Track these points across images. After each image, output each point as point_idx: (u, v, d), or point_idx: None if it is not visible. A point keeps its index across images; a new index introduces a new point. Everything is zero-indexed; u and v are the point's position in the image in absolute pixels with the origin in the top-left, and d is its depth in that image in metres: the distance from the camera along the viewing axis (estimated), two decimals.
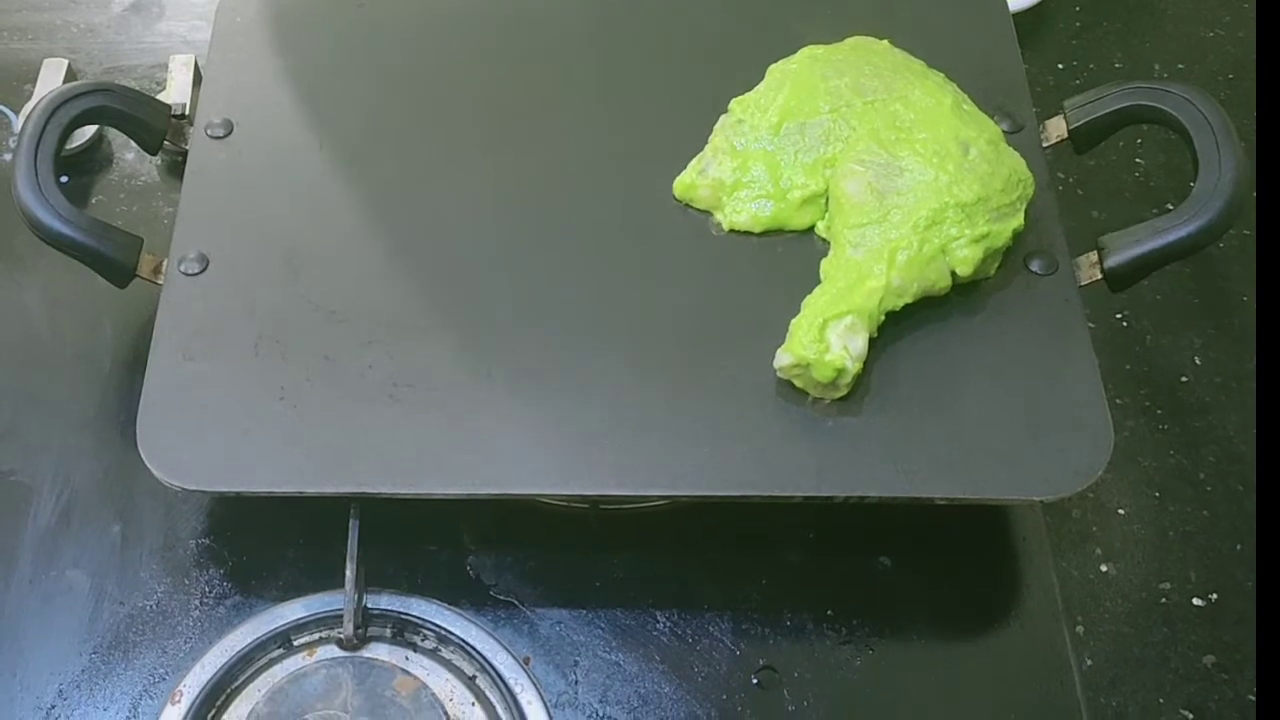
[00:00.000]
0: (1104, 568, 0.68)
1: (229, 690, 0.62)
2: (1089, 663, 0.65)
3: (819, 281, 0.64)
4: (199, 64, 0.81)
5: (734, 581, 0.66)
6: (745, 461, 0.60)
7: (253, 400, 0.62)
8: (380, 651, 0.63)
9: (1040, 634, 0.65)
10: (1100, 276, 0.66)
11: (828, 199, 0.66)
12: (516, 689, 0.62)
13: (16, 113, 0.82)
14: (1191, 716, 0.64)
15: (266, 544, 0.67)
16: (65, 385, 0.72)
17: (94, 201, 0.79)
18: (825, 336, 0.61)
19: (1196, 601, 0.67)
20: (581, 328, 0.64)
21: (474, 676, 0.63)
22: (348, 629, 0.62)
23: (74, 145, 0.79)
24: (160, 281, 0.66)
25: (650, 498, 0.65)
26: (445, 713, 0.60)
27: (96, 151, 0.81)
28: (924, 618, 0.65)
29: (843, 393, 0.62)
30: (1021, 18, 0.81)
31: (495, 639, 0.63)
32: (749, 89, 0.70)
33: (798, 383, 0.62)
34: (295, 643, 0.64)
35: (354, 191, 0.69)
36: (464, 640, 0.63)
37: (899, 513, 0.65)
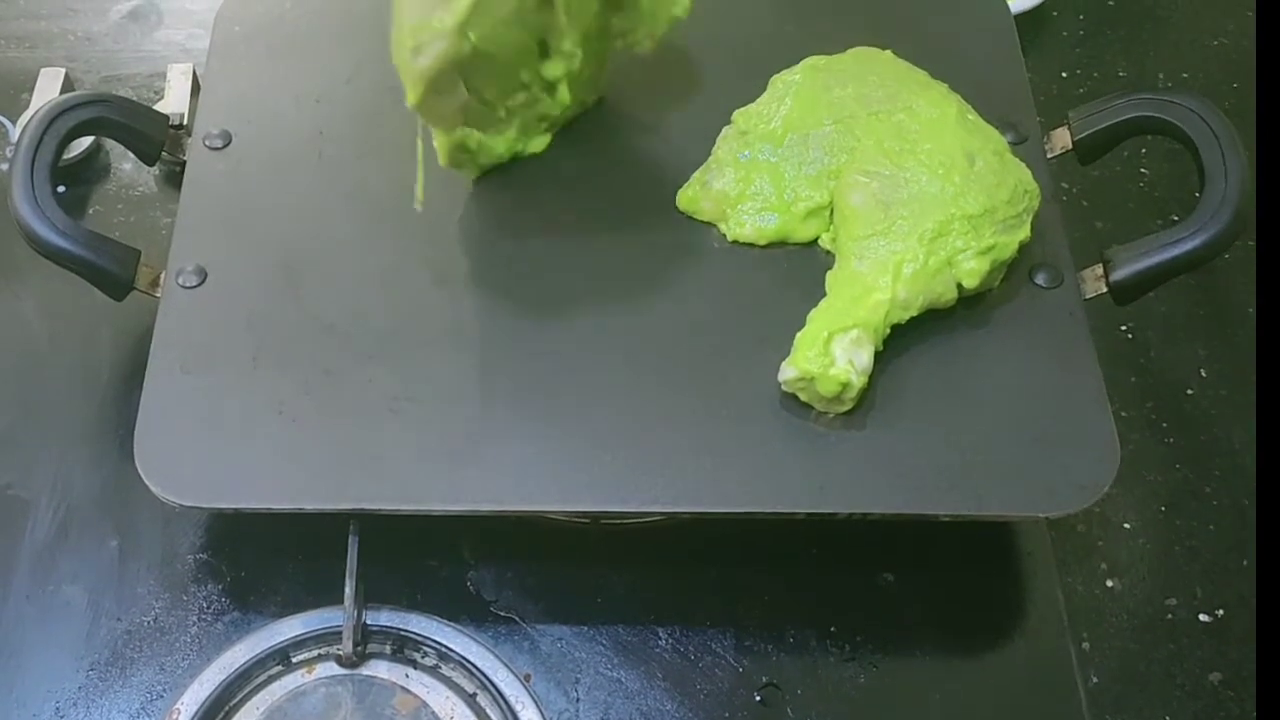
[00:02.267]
0: (1110, 583, 0.68)
1: (227, 708, 0.62)
2: (1094, 680, 0.64)
3: (824, 294, 0.64)
4: (197, 73, 0.80)
5: (736, 597, 0.65)
6: (748, 477, 0.60)
7: (251, 414, 0.62)
8: (380, 669, 0.62)
9: (1045, 650, 0.64)
10: (1106, 290, 0.66)
11: (832, 211, 0.66)
12: (517, 706, 0.61)
13: (14, 122, 0.82)
14: None
15: (265, 559, 0.66)
16: (63, 398, 0.71)
17: (91, 212, 0.79)
18: (830, 350, 0.60)
19: (1203, 617, 0.67)
20: (584, 341, 0.64)
21: (475, 694, 0.62)
22: (347, 646, 0.62)
23: (71, 155, 0.79)
24: (158, 294, 0.66)
25: (652, 513, 0.64)
26: None
27: (94, 162, 0.81)
28: (927, 634, 0.65)
29: (847, 407, 0.61)
30: (1024, 26, 0.81)
31: (496, 656, 0.63)
32: (752, 100, 0.70)
33: (802, 396, 0.61)
34: (294, 660, 0.63)
35: (353, 203, 0.69)
36: (464, 657, 0.63)
37: (902, 528, 0.65)
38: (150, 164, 0.73)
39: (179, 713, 0.61)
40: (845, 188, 0.65)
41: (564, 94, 0.66)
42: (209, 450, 0.61)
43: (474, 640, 0.63)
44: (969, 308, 0.65)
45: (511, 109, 0.67)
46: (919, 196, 0.64)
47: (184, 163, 0.71)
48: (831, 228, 0.66)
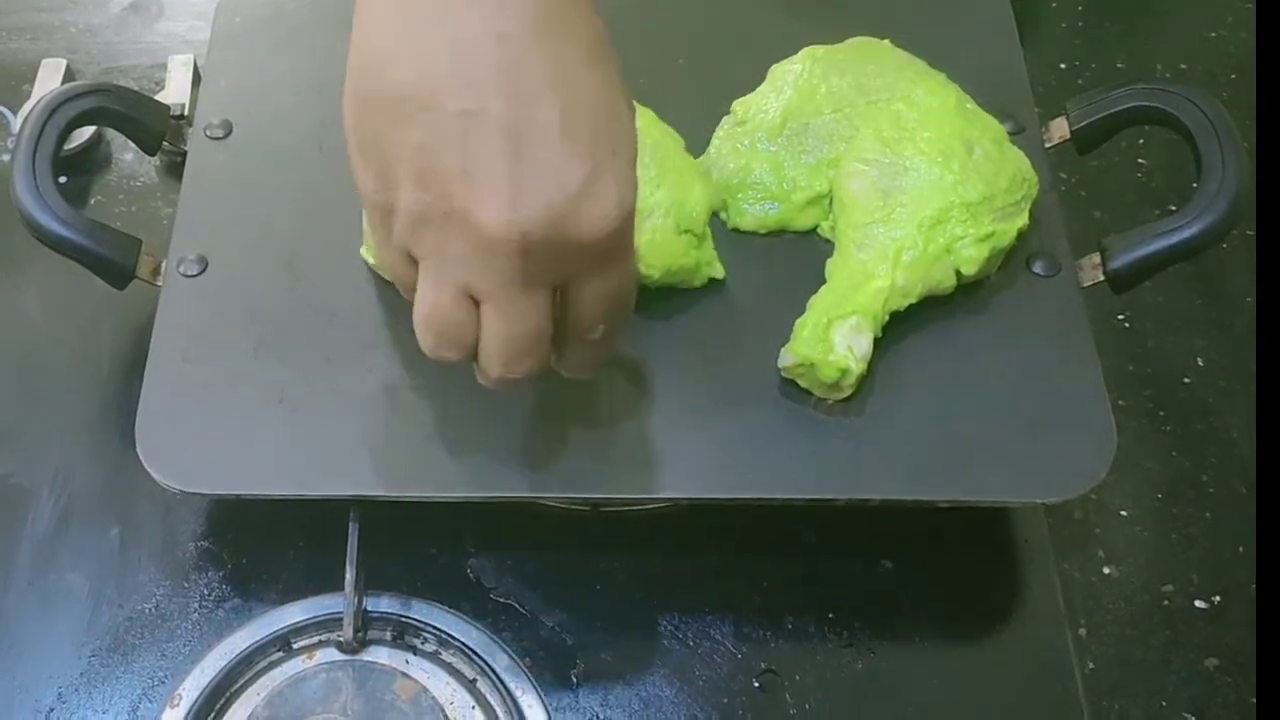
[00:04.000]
0: (1106, 570, 0.68)
1: (228, 693, 0.62)
2: (1091, 666, 0.65)
3: (824, 282, 0.64)
4: (198, 64, 0.81)
5: (735, 584, 0.66)
6: (747, 464, 0.60)
7: (252, 402, 0.62)
8: (380, 655, 0.63)
9: (1042, 636, 0.65)
10: (1103, 278, 0.66)
11: (832, 199, 0.66)
12: (517, 692, 0.62)
13: (15, 113, 0.82)
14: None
15: (266, 546, 0.66)
16: (64, 387, 0.71)
17: (92, 202, 0.79)
18: (830, 336, 0.60)
19: (1199, 604, 0.67)
20: None
21: (474, 680, 0.63)
22: (347, 632, 0.62)
23: (72, 146, 0.79)
24: (159, 283, 0.66)
25: (652, 500, 0.64)
26: (446, 716, 0.60)
27: (95, 152, 0.81)
28: (926, 620, 0.65)
29: (846, 393, 0.61)
30: (1023, 17, 0.81)
31: (496, 642, 0.63)
32: (751, 90, 0.70)
33: (802, 382, 0.62)
34: (295, 646, 0.63)
35: (353, 192, 0.68)
36: (464, 643, 0.63)
37: (900, 515, 0.65)
38: (151, 154, 0.74)
39: (181, 698, 0.61)
40: (844, 176, 0.65)
41: None
42: (210, 437, 0.61)
43: (474, 626, 0.63)
44: (967, 296, 0.65)
45: None
46: (918, 184, 0.64)
47: (185, 153, 0.71)
48: (831, 216, 0.66)
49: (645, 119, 0.66)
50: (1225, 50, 0.90)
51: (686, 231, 0.63)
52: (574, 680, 0.63)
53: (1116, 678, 0.65)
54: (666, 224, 0.63)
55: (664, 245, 0.63)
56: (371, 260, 0.65)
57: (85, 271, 0.66)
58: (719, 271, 0.65)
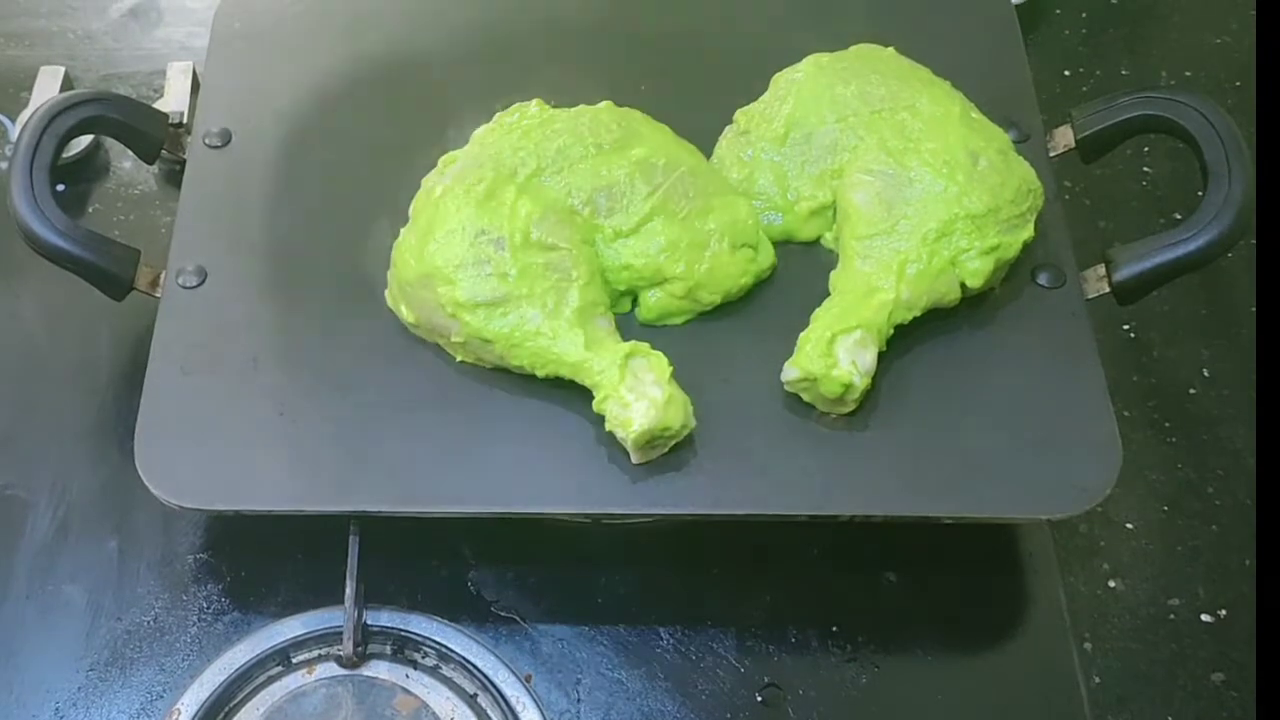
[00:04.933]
0: (1112, 583, 0.67)
1: (227, 708, 0.62)
2: (1097, 680, 0.64)
3: (827, 294, 0.64)
4: (197, 71, 0.80)
5: (738, 598, 0.65)
6: (751, 479, 0.60)
7: (252, 416, 0.61)
8: (380, 669, 0.62)
9: (1047, 651, 0.64)
10: (1109, 290, 0.65)
11: (835, 210, 0.66)
12: (518, 707, 0.61)
13: (13, 120, 0.82)
14: None
15: (265, 559, 0.66)
16: (62, 398, 0.71)
17: (91, 210, 0.78)
18: (833, 351, 0.60)
19: (1205, 618, 0.67)
20: None
21: (475, 695, 0.62)
22: (347, 646, 0.61)
23: (71, 154, 0.79)
24: (158, 294, 0.65)
25: (653, 514, 0.64)
26: None
27: (93, 160, 0.80)
28: (929, 634, 0.65)
29: (850, 408, 0.61)
30: (1027, 24, 0.80)
31: (496, 656, 0.63)
32: (754, 99, 0.69)
33: (805, 397, 0.61)
34: (294, 660, 0.63)
35: (352, 201, 0.69)
36: (465, 658, 0.62)
37: (904, 528, 0.65)
38: (150, 162, 0.73)
39: (179, 713, 0.61)
40: (848, 186, 0.65)
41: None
42: (209, 452, 0.60)
43: (475, 641, 0.63)
44: (972, 307, 0.64)
45: None
46: (922, 196, 0.63)
47: (184, 161, 0.70)
48: (835, 227, 0.66)
49: (667, 139, 0.66)
50: (1229, 56, 0.90)
51: (744, 246, 0.63)
52: (576, 695, 0.63)
53: (1122, 692, 0.64)
54: (722, 247, 0.63)
55: (723, 268, 0.63)
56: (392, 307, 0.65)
57: (84, 282, 0.66)
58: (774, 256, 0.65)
